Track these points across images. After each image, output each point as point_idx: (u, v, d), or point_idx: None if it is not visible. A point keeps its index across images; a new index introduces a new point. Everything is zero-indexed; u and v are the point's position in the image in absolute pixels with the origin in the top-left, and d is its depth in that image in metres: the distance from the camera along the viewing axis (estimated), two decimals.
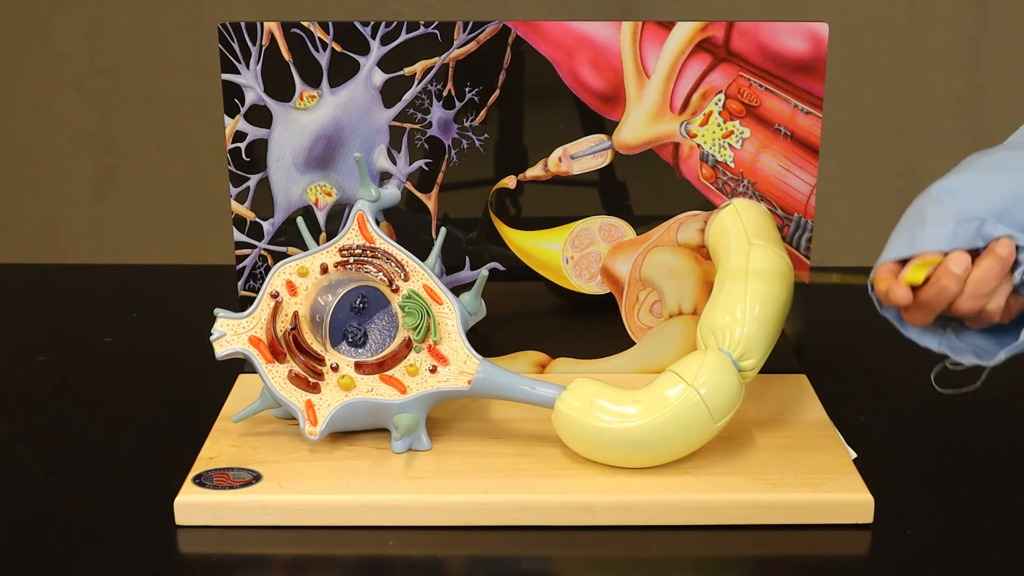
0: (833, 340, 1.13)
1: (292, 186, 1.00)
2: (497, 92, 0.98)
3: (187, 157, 2.22)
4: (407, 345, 0.91)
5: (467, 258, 1.02)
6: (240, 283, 1.03)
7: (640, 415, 0.85)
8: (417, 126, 0.99)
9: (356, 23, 0.97)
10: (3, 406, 1.04)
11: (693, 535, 0.84)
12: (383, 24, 0.97)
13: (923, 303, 0.80)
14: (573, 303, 1.03)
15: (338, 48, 0.97)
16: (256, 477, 0.87)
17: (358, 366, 0.90)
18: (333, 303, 0.92)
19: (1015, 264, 0.78)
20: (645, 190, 1.01)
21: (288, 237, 1.01)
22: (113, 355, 1.14)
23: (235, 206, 1.01)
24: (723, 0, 2.08)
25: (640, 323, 1.03)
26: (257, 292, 1.01)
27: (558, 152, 1.00)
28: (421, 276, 0.94)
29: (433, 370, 0.90)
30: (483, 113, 0.99)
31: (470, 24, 0.96)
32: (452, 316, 0.92)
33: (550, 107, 0.99)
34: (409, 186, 1.00)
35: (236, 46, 0.97)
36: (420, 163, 1.00)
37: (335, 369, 0.90)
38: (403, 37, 0.97)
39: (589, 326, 1.03)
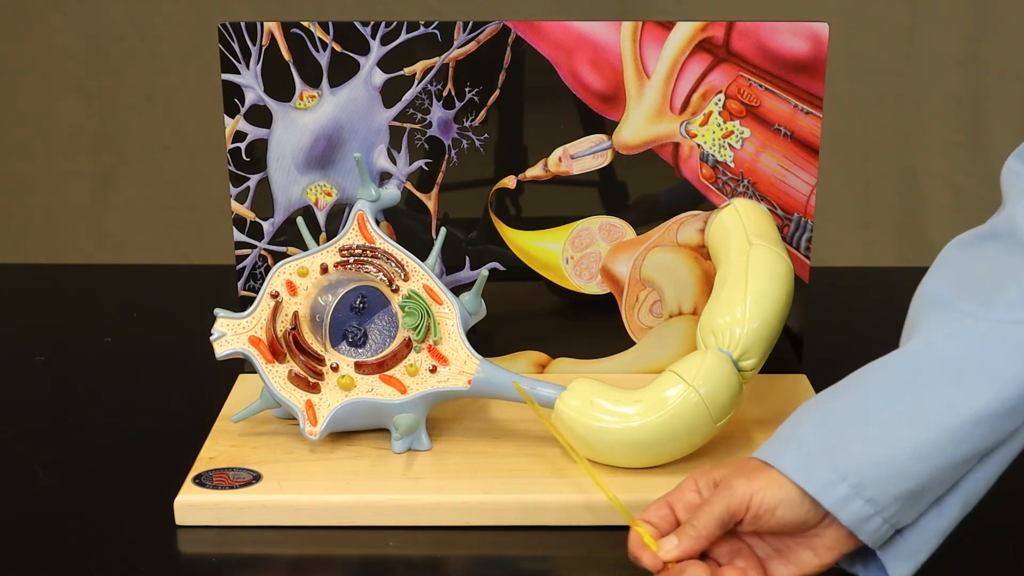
0: (833, 340, 1.13)
1: (292, 186, 1.00)
2: (497, 92, 0.98)
3: (187, 157, 2.22)
4: (407, 345, 0.91)
5: (467, 258, 1.02)
6: (240, 283, 1.03)
7: (640, 415, 0.85)
8: (417, 126, 0.99)
9: (356, 23, 0.97)
10: (3, 406, 1.04)
11: None
12: (383, 24, 0.97)
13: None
14: (573, 303, 1.03)
15: (338, 48, 0.97)
16: (256, 477, 0.87)
17: (358, 366, 0.90)
18: (333, 303, 0.92)
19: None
20: (645, 190, 1.01)
21: (288, 237, 1.01)
22: (113, 355, 1.14)
23: (235, 206, 1.01)
24: (723, 0, 2.08)
25: (640, 323, 1.03)
26: (257, 292, 1.01)
27: (558, 152, 1.00)
28: (421, 276, 0.94)
29: (433, 370, 0.90)
30: (483, 113, 0.99)
31: (470, 24, 0.96)
32: (452, 316, 0.92)
33: (550, 107, 0.99)
34: (409, 186, 1.00)
35: (236, 46, 0.97)
36: (420, 163, 1.00)
37: (335, 369, 0.90)
38: (403, 37, 0.97)
39: (589, 326, 1.03)
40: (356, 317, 0.93)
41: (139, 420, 1.01)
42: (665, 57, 0.97)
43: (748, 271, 0.90)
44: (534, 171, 1.00)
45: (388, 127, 0.99)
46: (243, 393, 1.00)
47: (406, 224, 1.01)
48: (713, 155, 0.99)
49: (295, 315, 0.92)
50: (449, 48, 0.97)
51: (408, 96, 0.98)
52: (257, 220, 1.01)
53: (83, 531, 0.85)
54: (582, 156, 1.00)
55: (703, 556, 0.74)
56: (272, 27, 0.97)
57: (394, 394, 0.89)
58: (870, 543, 0.71)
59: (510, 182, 1.01)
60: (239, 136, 0.99)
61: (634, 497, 0.85)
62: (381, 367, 0.90)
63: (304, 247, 0.99)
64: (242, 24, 0.97)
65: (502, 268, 1.02)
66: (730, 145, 0.99)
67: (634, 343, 1.04)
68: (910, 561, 0.73)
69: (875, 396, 0.72)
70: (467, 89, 0.98)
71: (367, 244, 0.95)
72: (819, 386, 1.01)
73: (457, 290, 0.98)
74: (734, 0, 2.05)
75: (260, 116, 0.99)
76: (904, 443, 0.70)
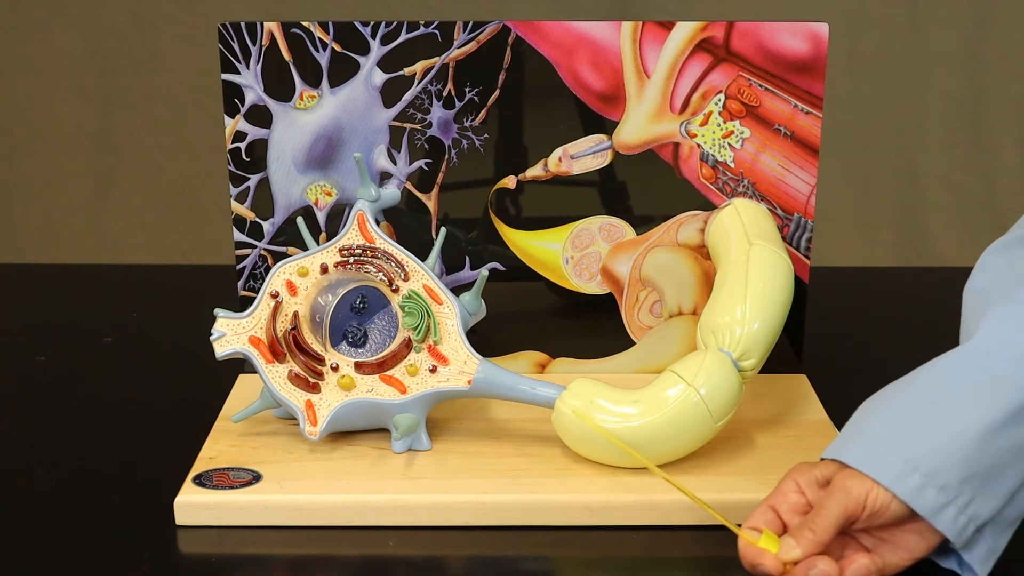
0: (833, 340, 1.13)
1: (292, 186, 1.00)
2: (497, 92, 0.98)
3: (187, 157, 2.22)
4: (407, 345, 0.91)
5: (467, 258, 1.02)
6: (240, 283, 1.03)
7: (640, 415, 0.85)
8: (417, 126, 0.99)
9: (356, 23, 0.97)
10: (3, 406, 1.04)
11: (693, 535, 0.84)
12: (383, 24, 0.97)
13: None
14: (573, 303, 1.03)
15: (338, 48, 0.97)
16: (256, 477, 0.87)
17: (358, 366, 0.90)
18: (333, 303, 0.92)
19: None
20: (645, 190, 1.01)
21: (288, 237, 1.01)
22: (113, 355, 1.14)
23: (235, 206, 1.01)
24: (723, 0, 2.08)
25: (640, 323, 1.03)
26: (257, 292, 1.01)
27: (558, 152, 1.00)
28: (421, 276, 0.94)
29: (433, 370, 0.90)
30: (483, 113, 0.99)
31: (470, 24, 0.96)
32: (452, 316, 0.92)
33: (550, 107, 0.99)
34: (409, 186, 1.00)
35: (236, 46, 0.97)
36: (420, 163, 1.00)
37: (335, 369, 0.90)
38: (403, 37, 0.97)
39: (589, 326, 1.03)
40: (356, 317, 0.93)
41: (139, 420, 1.01)
42: (665, 57, 0.97)
43: (748, 271, 0.90)
44: (534, 171, 1.00)
45: (388, 127, 0.99)
46: (243, 393, 1.00)
47: (406, 224, 1.01)
48: (713, 155, 0.99)
49: (295, 315, 0.92)
50: (449, 48, 0.97)
51: (408, 96, 0.98)
52: (257, 220, 1.01)
53: (83, 531, 0.85)
54: (582, 156, 1.00)
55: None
56: (272, 27, 0.97)
57: (394, 394, 0.89)
58: (950, 536, 0.71)
59: (510, 182, 1.01)
60: (239, 136, 0.99)
61: (635, 497, 0.85)
62: (381, 367, 0.90)
63: (304, 247, 0.99)
64: (242, 24, 0.97)
65: (502, 268, 1.02)
66: (730, 145, 0.99)
67: (634, 343, 1.04)
68: (992, 558, 0.73)
69: (943, 385, 0.73)
70: (467, 89, 0.98)
71: (367, 244, 0.95)
72: (819, 386, 1.01)
73: (457, 290, 0.98)
74: (734, 0, 2.05)
75: (260, 116, 0.99)
76: (973, 424, 0.70)
